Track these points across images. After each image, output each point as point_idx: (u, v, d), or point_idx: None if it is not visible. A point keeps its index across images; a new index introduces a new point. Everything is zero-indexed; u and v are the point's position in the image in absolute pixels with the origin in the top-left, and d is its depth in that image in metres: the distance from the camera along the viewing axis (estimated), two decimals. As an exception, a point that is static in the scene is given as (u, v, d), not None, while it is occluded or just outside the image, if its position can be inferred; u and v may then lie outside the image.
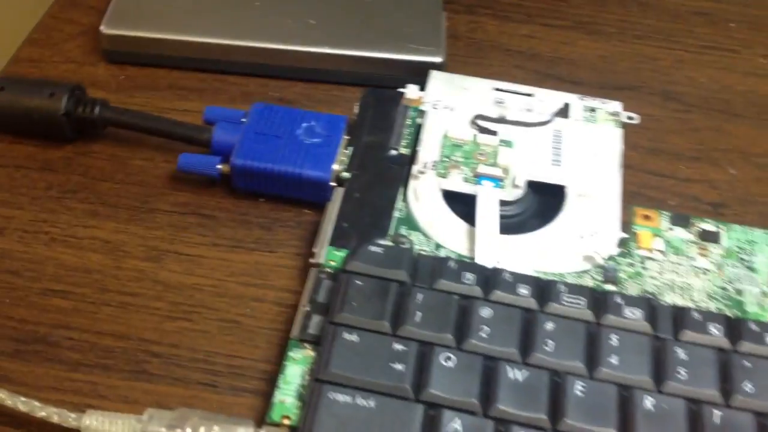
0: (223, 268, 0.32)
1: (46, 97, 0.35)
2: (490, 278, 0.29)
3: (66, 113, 0.35)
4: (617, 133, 0.36)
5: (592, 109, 0.37)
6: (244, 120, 0.35)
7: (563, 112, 0.37)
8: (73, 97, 0.36)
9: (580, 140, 0.35)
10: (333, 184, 0.34)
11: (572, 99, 0.37)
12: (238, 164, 0.34)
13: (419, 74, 0.39)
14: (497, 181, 0.33)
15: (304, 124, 0.35)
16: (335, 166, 0.34)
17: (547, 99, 0.37)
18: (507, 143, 0.35)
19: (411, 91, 0.37)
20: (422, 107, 0.37)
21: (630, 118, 0.37)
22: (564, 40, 0.44)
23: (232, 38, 0.40)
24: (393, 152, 0.35)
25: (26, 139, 0.37)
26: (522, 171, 0.34)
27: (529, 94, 0.38)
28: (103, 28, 0.40)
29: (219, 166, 0.34)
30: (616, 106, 0.37)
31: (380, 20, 0.41)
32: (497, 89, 0.38)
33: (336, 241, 0.31)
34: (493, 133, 0.35)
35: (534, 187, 0.34)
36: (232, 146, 0.34)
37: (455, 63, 0.41)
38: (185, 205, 0.35)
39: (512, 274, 0.29)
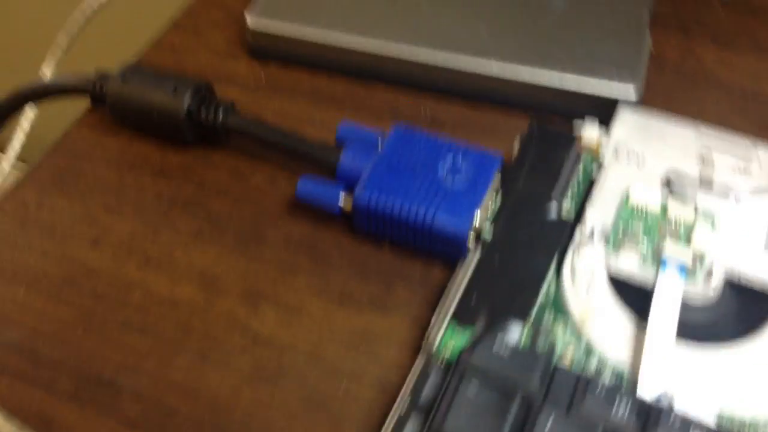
0: (325, 327, 0.27)
1: (168, 94, 0.31)
2: (652, 413, 0.21)
3: (188, 114, 0.31)
4: None
5: (830, 181, 0.28)
6: (379, 145, 0.29)
7: (788, 181, 0.28)
8: (198, 98, 0.31)
9: (806, 224, 0.27)
10: (471, 240, 0.27)
11: (804, 163, 0.28)
12: (361, 202, 0.28)
13: (606, 108, 0.31)
14: (685, 269, 0.25)
15: (450, 160, 0.29)
16: (477, 219, 0.27)
17: (769, 158, 0.29)
18: (707, 217, 0.27)
19: (589, 132, 0.29)
20: (601, 156, 0.29)
21: None
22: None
23: (386, 44, 0.34)
24: (553, 211, 0.27)
25: (146, 138, 0.33)
26: (722, 260, 0.26)
27: (746, 148, 0.29)
28: (248, 20, 0.36)
29: (341, 200, 0.29)
30: None
31: (566, 35, 0.34)
32: (705, 141, 0.29)
33: (460, 317, 0.25)
34: (690, 202, 0.27)
35: (734, 283, 0.26)
36: (359, 175, 0.29)
37: (655, 97, 0.33)
38: (299, 239, 0.30)
39: (684, 420, 0.21)
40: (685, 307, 0.24)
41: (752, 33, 0.37)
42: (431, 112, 0.34)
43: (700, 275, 0.25)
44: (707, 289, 0.25)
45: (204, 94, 0.32)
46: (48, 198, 0.31)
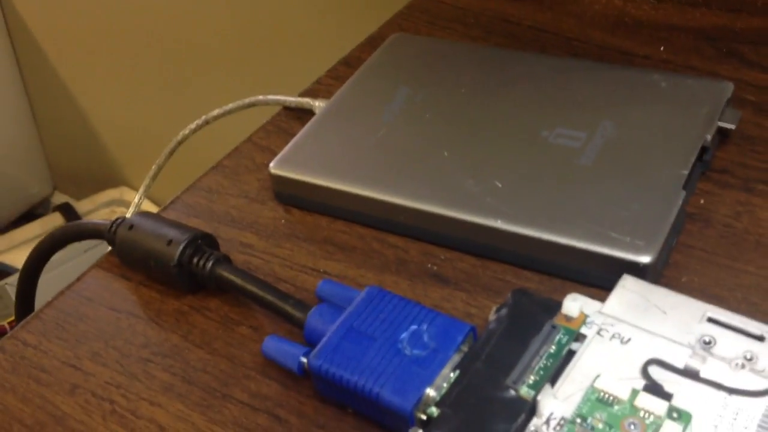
0: (257, 502, 0.25)
1: (164, 244, 0.32)
2: None
3: (178, 264, 0.31)
4: None
5: None
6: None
7: (801, 377, 0.23)
8: (192, 248, 0.32)
9: (811, 434, 0.22)
10: (421, 415, 0.25)
11: (827, 357, 0.24)
12: (314, 370, 0.27)
13: (620, 274, 0.28)
14: (638, 477, 0.22)
15: (413, 327, 0.27)
16: (430, 394, 0.25)
17: (785, 349, 0.24)
18: (680, 415, 0.23)
19: (569, 304, 0.26)
20: (584, 329, 0.26)
21: None
22: None
23: (400, 197, 0.33)
24: (511, 392, 0.25)
25: (153, 283, 0.34)
26: (687, 469, 0.22)
27: (760, 337, 0.25)
28: (271, 167, 0.36)
29: (303, 361, 0.27)
30: None
31: (586, 194, 0.31)
32: (712, 319, 0.26)
33: None
34: (667, 396, 0.23)
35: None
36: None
37: (689, 261, 0.30)
38: (264, 399, 0.29)
39: None
40: None
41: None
42: (438, 267, 0.33)
43: (660, 488, 0.21)
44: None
45: (200, 244, 0.32)
46: (45, 341, 0.32)
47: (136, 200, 0.44)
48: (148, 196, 0.47)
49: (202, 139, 0.52)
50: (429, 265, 0.33)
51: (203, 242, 0.32)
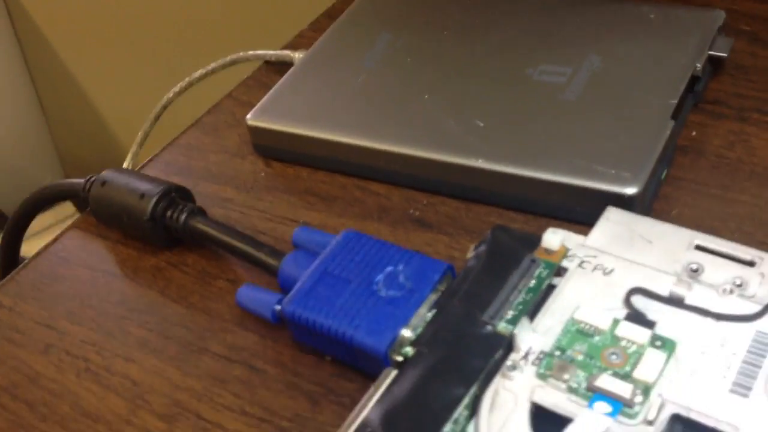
0: (233, 451, 0.25)
1: (137, 198, 0.31)
2: None
3: (151, 218, 0.30)
4: None
5: None
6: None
7: (794, 300, 0.22)
8: (165, 202, 0.31)
9: (803, 357, 0.21)
10: (396, 356, 0.24)
11: (821, 279, 0.22)
12: (288, 316, 0.26)
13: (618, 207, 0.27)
14: (619, 405, 0.20)
15: (389, 268, 0.26)
16: (406, 335, 0.24)
17: (778, 273, 0.23)
18: (665, 344, 0.22)
19: (549, 238, 0.25)
20: (565, 262, 0.25)
21: None
22: None
23: (380, 142, 0.32)
24: (488, 328, 0.23)
25: (130, 240, 0.33)
26: (671, 396, 0.20)
27: (750, 262, 0.24)
28: (248, 119, 0.35)
29: (277, 308, 0.26)
30: None
31: (572, 128, 0.30)
32: (700, 247, 0.24)
33: (356, 451, 0.21)
34: (650, 324, 0.22)
35: (684, 420, 0.20)
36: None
37: (680, 194, 0.29)
38: (240, 351, 0.28)
39: None
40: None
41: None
42: (420, 212, 0.31)
43: (642, 411, 0.20)
44: (646, 428, 0.20)
45: (174, 197, 0.31)
46: (21, 302, 0.31)
47: (125, 166, 0.43)
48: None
49: (189, 102, 0.51)
50: (411, 211, 0.32)
51: (177, 195, 0.31)
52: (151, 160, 0.37)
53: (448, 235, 0.30)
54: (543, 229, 0.28)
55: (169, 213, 0.31)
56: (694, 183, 0.29)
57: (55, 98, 1.17)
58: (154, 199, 0.30)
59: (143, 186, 0.31)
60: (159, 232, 0.31)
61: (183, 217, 0.30)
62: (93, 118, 1.13)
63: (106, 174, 0.32)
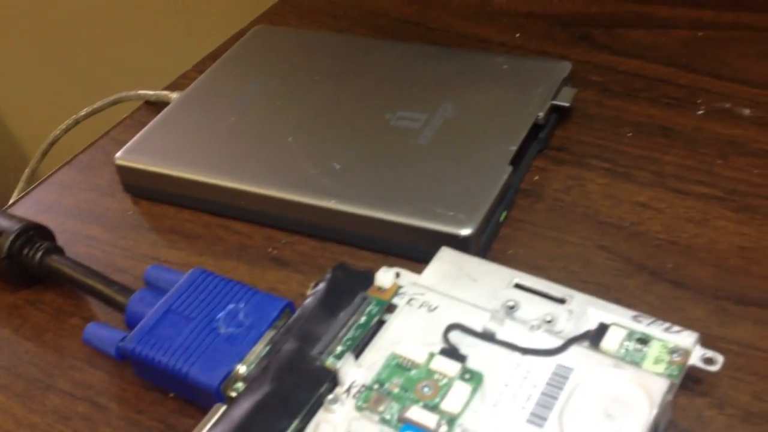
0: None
1: (-7, 237, 0.31)
2: None
3: (8, 256, 0.31)
4: (660, 388, 0.22)
5: (644, 340, 0.23)
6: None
7: (595, 337, 0.24)
8: (21, 240, 0.31)
9: (596, 391, 0.22)
10: (231, 394, 0.25)
11: (622, 317, 0.24)
12: (129, 350, 0.26)
13: (454, 247, 0.28)
14: (424, 437, 0.22)
15: (231, 306, 0.27)
16: (240, 370, 0.25)
17: (586, 311, 0.25)
18: (473, 377, 0.23)
19: (381, 276, 0.27)
20: (396, 299, 0.26)
21: (709, 361, 0.23)
22: (698, 217, 0.30)
23: (242, 182, 0.33)
24: (317, 363, 0.25)
25: (-10, 278, 0.33)
26: (471, 426, 0.22)
27: (561, 300, 0.25)
28: (117, 158, 0.36)
29: (121, 345, 0.27)
30: (687, 338, 0.23)
31: (420, 172, 0.31)
32: (519, 285, 0.26)
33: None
34: (461, 357, 0.24)
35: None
36: (145, 322, 0.27)
37: (518, 234, 0.30)
38: (86, 388, 0.28)
39: None
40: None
41: (659, 164, 0.33)
42: (279, 251, 0.32)
43: (444, 446, 0.22)
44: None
45: (32, 236, 0.31)
46: None
47: (12, 202, 0.43)
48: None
49: (76, 139, 0.51)
50: (270, 250, 0.33)
51: (35, 234, 0.32)
52: (22, 197, 0.38)
53: (302, 273, 0.31)
54: (391, 266, 0.30)
55: (25, 251, 0.31)
56: (531, 225, 0.31)
57: None
58: (11, 238, 0.31)
59: (2, 224, 0.31)
60: (16, 270, 0.31)
61: (39, 255, 0.31)
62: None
63: (-33, 212, 0.32)
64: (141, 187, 0.36)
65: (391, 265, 0.30)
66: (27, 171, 0.46)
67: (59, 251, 0.31)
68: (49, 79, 0.89)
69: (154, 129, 0.37)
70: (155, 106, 0.42)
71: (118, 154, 0.36)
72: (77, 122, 0.45)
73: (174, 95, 0.41)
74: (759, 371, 0.25)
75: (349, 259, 0.32)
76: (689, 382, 0.25)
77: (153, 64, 0.71)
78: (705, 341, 0.25)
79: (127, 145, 0.36)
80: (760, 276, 0.28)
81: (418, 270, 0.27)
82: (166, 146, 0.35)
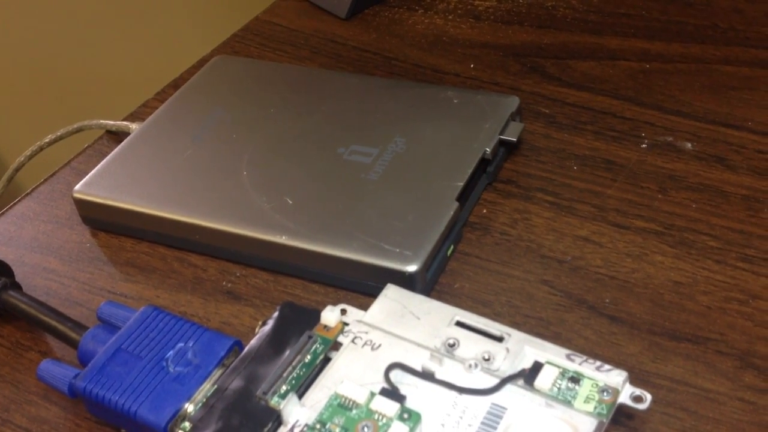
0: None
1: (-50, 274, 0.32)
2: None
3: (-35, 293, 0.31)
4: (589, 427, 0.23)
5: (577, 379, 0.24)
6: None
7: (529, 375, 0.25)
8: (-21, 276, 0.32)
9: (528, 430, 0.23)
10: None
11: (556, 356, 0.25)
12: (80, 388, 0.27)
13: (399, 284, 0.29)
14: (362, 478, 0.23)
15: (180, 344, 0.27)
16: (188, 410, 0.26)
17: (523, 349, 0.26)
18: (411, 416, 0.24)
19: (327, 315, 0.27)
20: (341, 338, 0.27)
21: (638, 399, 0.24)
22: (637, 252, 0.31)
23: (196, 217, 0.34)
24: (261, 403, 0.25)
25: (-51, 314, 0.33)
26: (408, 468, 0.23)
27: (499, 338, 0.26)
28: (74, 191, 0.36)
29: (73, 382, 0.28)
30: (616, 378, 0.24)
31: (369, 207, 0.32)
32: (460, 323, 0.27)
33: None
34: (400, 397, 0.24)
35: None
36: (97, 359, 0.28)
37: (464, 268, 0.31)
38: (41, 423, 0.29)
39: None
40: None
41: (604, 199, 0.34)
42: (233, 284, 0.33)
43: (380, 487, 0.22)
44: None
45: (-11, 271, 0.32)
46: None
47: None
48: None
49: (42, 166, 0.52)
50: (224, 283, 0.33)
51: (-7, 269, 0.32)
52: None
53: (255, 307, 0.32)
54: (342, 301, 0.31)
55: (-17, 287, 0.32)
56: (477, 258, 0.32)
57: None
58: (-32, 274, 0.31)
59: (-41, 260, 0.32)
60: (-27, 305, 0.32)
61: (-5, 291, 0.31)
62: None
63: (-76, 248, 0.33)
64: (99, 219, 0.36)
65: (341, 298, 0.31)
66: (-9, 197, 0.46)
67: (17, 287, 0.32)
68: (15, 104, 0.88)
69: (112, 162, 0.37)
70: (116, 135, 0.43)
71: (76, 188, 0.36)
72: (41, 149, 0.45)
73: (134, 126, 0.41)
74: (689, 407, 0.26)
75: (301, 292, 0.32)
76: (622, 418, 0.26)
77: (116, 91, 0.71)
78: (638, 376, 0.26)
79: (86, 178, 0.37)
80: (693, 312, 0.29)
81: (368, 303, 0.28)
82: (123, 180, 0.36)
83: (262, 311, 0.32)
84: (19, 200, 0.39)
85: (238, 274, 0.34)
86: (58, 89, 0.85)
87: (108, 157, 0.38)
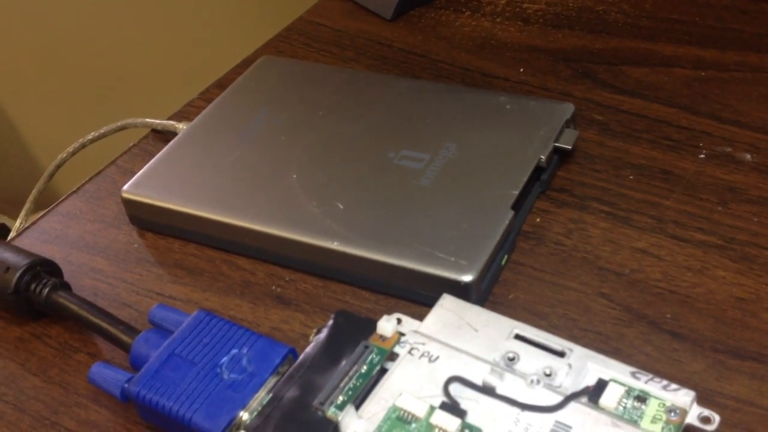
0: None
1: (2, 272, 0.32)
2: None
3: (15, 291, 0.31)
4: (657, 448, 0.23)
5: (643, 398, 0.24)
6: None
7: (593, 393, 0.24)
8: (29, 275, 0.31)
9: (593, 447, 0.23)
10: (234, 441, 0.25)
11: (621, 374, 0.25)
12: (133, 396, 0.27)
13: (452, 293, 0.29)
14: (424, 495, 0.22)
15: (234, 351, 0.27)
16: (243, 417, 0.25)
17: (586, 365, 0.25)
18: (473, 431, 0.23)
19: (383, 325, 0.27)
20: (397, 348, 0.26)
21: (706, 420, 0.23)
22: (698, 266, 0.30)
23: (246, 220, 0.33)
24: (318, 413, 0.25)
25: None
26: (471, 486, 0.22)
27: (560, 353, 0.26)
28: (123, 191, 0.36)
29: (125, 387, 0.27)
30: (684, 397, 0.24)
31: (422, 215, 0.32)
32: (519, 336, 0.26)
33: None
34: (461, 412, 0.24)
35: None
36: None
37: (518, 279, 0.31)
38: (91, 426, 0.29)
39: None
40: None
41: (660, 210, 0.33)
42: (282, 288, 0.33)
43: (442, 505, 0.22)
44: None
45: (39, 271, 0.32)
46: None
47: (17, 224, 0.44)
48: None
49: (82, 163, 0.52)
50: (273, 287, 0.33)
51: (43, 269, 0.32)
52: (28, 227, 0.38)
53: (305, 313, 0.32)
54: (393, 309, 0.30)
55: (33, 287, 0.31)
56: (532, 269, 0.31)
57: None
58: (19, 273, 0.31)
59: (11, 259, 0.32)
60: (22, 305, 0.32)
61: (46, 291, 0.31)
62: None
63: (-25, 245, 0.33)
64: (147, 220, 0.36)
65: (392, 306, 0.31)
66: (34, 192, 0.47)
67: (66, 287, 0.32)
68: (62, 100, 0.89)
69: (160, 162, 0.37)
70: (161, 134, 0.42)
71: (124, 188, 0.36)
72: (83, 146, 0.45)
73: (180, 125, 0.41)
74: (755, 428, 0.25)
75: (351, 299, 0.32)
76: (686, 438, 0.25)
77: (158, 90, 0.72)
78: (702, 395, 0.26)
79: (134, 178, 0.36)
80: (758, 329, 0.28)
81: (420, 312, 0.28)
82: (171, 180, 0.36)
83: (312, 317, 0.31)
84: (65, 198, 0.39)
85: (287, 279, 0.33)
86: (102, 87, 0.85)
87: (156, 157, 0.37)
